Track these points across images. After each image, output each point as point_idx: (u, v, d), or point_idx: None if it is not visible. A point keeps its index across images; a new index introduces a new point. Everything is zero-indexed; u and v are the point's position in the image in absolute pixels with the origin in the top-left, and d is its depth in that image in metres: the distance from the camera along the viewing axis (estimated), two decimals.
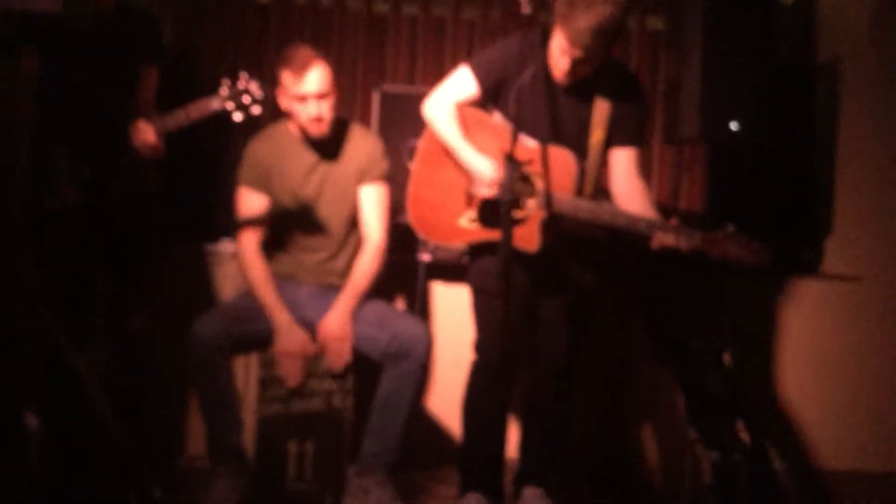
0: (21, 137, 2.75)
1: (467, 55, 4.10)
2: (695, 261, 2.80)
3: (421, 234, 3.08)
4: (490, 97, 2.98)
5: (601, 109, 2.92)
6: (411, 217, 3.06)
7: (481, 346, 3.05)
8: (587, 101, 2.91)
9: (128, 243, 3.23)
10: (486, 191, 2.89)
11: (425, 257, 3.64)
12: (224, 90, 2.96)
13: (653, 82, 4.20)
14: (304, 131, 3.19)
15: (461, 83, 2.98)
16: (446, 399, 3.70)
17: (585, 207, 2.84)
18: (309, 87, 3.09)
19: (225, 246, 3.67)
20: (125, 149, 3.07)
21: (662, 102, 4.05)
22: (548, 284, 3.01)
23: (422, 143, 3.07)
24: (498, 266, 2.57)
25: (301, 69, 3.08)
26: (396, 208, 3.44)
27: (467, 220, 2.97)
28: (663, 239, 2.75)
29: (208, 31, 4.13)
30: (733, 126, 3.40)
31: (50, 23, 2.58)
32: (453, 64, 4.17)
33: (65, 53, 3.06)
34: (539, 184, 2.84)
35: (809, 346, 3.89)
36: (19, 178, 2.72)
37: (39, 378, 2.88)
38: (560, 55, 2.80)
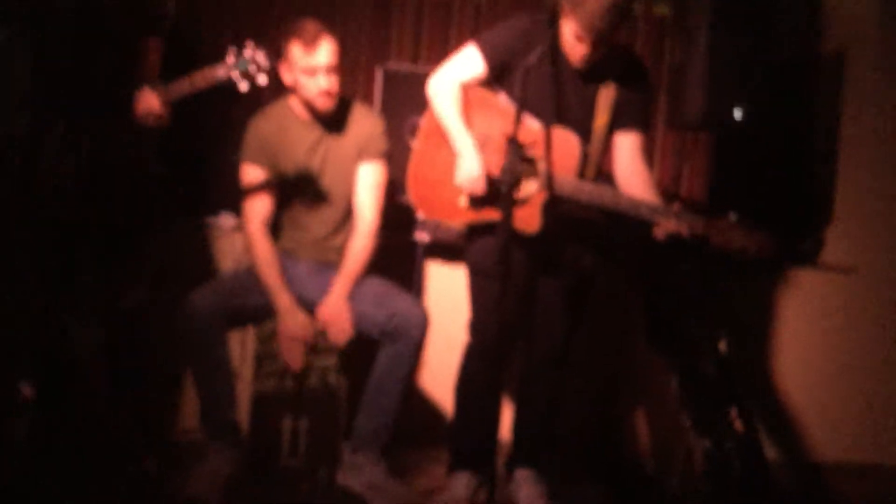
0: (16, 110, 2.72)
1: (473, 35, 4.08)
2: (695, 248, 2.79)
3: (420, 212, 3.07)
4: (496, 77, 2.96)
5: (606, 93, 2.90)
6: (411, 194, 3.05)
7: (476, 327, 3.05)
8: (593, 85, 2.90)
9: (125, 216, 3.21)
10: (463, 182, 2.88)
11: (423, 237, 3.63)
12: (230, 58, 2.88)
13: (657, 68, 4.18)
14: (309, 106, 3.17)
15: (467, 62, 2.95)
16: (440, 379, 3.71)
17: (587, 190, 2.84)
18: (320, 59, 3.07)
19: (224, 219, 3.66)
20: (127, 119, 3.04)
21: (667, 88, 4.03)
22: (546, 266, 3.01)
23: (424, 122, 3.06)
24: (497, 247, 2.57)
25: (313, 41, 3.06)
26: (396, 188, 3.43)
27: (465, 201, 2.96)
28: (665, 224, 2.74)
29: (209, 5, 4.09)
30: (737, 114, 3.39)
31: None
32: (458, 44, 4.14)
33: (60, 23, 3.03)
34: (541, 165, 2.83)
35: (805, 336, 3.90)
36: (14, 152, 2.70)
37: (35, 350, 2.89)
38: (575, 41, 2.77)
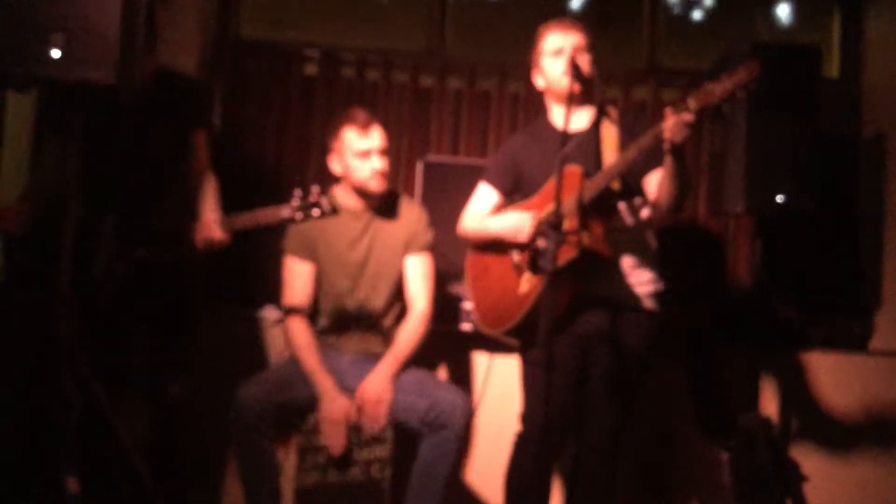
0: (69, 205, 2.79)
1: (511, 127, 4.16)
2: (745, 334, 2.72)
3: (508, 331, 3.07)
4: (513, 191, 3.14)
5: (609, 136, 3.01)
6: (490, 330, 3.10)
7: (528, 418, 3.02)
8: (594, 139, 3.00)
9: (169, 308, 3.25)
10: (523, 236, 2.98)
11: (467, 327, 3.63)
12: (295, 201, 3.03)
13: (697, 155, 4.20)
14: (360, 192, 3.27)
15: (482, 197, 3.19)
16: (489, 471, 3.65)
17: (605, 173, 2.88)
18: (374, 142, 3.22)
19: (269, 312, 3.69)
20: (180, 233, 3.10)
21: (708, 175, 4.04)
22: (592, 353, 2.98)
23: (468, 266, 3.20)
24: (541, 332, 2.57)
25: (367, 125, 3.24)
26: (443, 278, 3.46)
27: (526, 282, 2.99)
28: (673, 133, 2.73)
29: (254, 104, 4.20)
30: (779, 199, 3.37)
31: (100, 92, 2.62)
32: (497, 135, 4.22)
33: (112, 122, 3.12)
34: (565, 203, 2.78)
35: (859, 423, 3.80)
36: (66, 246, 2.75)
37: (81, 442, 2.90)
38: (555, 59, 3.00)
